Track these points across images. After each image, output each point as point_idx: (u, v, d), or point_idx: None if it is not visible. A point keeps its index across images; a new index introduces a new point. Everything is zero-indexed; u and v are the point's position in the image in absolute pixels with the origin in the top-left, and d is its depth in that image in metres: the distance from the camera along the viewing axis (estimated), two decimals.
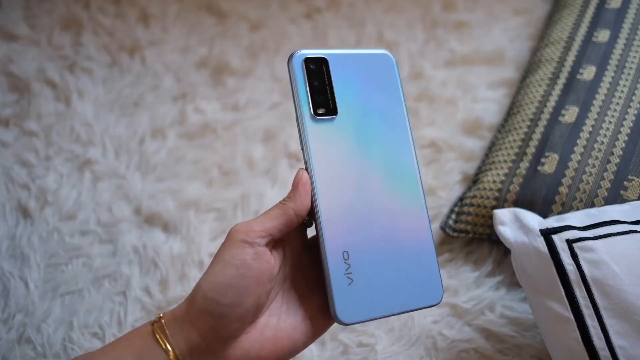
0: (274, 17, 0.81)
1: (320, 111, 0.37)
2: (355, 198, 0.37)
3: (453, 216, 0.59)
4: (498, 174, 0.59)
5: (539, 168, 0.56)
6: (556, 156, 0.56)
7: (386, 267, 0.37)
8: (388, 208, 0.37)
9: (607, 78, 0.61)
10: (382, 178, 0.38)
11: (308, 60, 0.38)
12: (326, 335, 0.53)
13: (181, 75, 0.75)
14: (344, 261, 0.36)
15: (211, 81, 0.75)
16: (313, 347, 0.52)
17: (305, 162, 0.37)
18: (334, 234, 0.36)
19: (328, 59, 0.38)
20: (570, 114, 0.59)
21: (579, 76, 0.62)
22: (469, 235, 0.58)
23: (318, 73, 0.38)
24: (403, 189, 0.38)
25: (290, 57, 0.38)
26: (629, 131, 0.56)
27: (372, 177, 0.37)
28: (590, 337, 0.40)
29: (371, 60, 0.39)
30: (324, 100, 0.38)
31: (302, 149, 0.37)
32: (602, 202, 0.52)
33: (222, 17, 0.81)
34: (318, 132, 0.37)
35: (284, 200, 0.36)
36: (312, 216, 0.36)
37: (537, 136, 0.59)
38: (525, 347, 0.51)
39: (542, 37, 0.72)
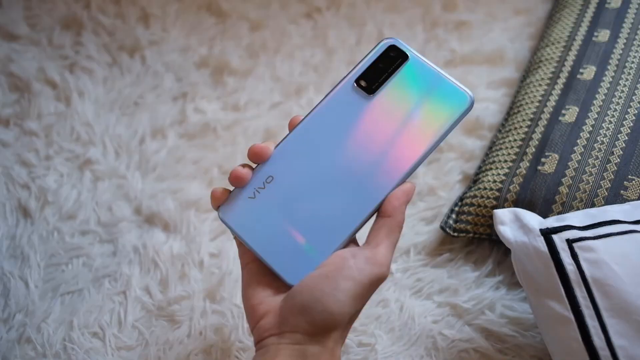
0: (274, 17, 0.81)
1: (362, 83, 0.40)
2: (319, 162, 0.39)
3: (453, 216, 0.59)
4: (498, 174, 0.59)
5: (539, 168, 0.56)
6: (556, 156, 0.56)
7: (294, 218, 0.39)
8: (340, 190, 0.39)
9: (607, 78, 0.61)
10: (360, 163, 0.39)
11: (392, 48, 0.40)
12: None
13: (181, 75, 0.75)
14: (263, 179, 0.39)
15: (211, 81, 0.75)
16: None
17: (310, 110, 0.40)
18: (279, 159, 0.39)
19: (410, 58, 0.40)
20: (570, 114, 0.59)
21: (579, 76, 0.62)
22: (470, 235, 0.58)
23: (390, 60, 0.40)
24: (358, 193, 0.39)
25: (383, 39, 0.41)
26: (629, 131, 0.56)
27: (352, 157, 0.39)
28: (591, 337, 0.40)
29: (446, 88, 0.40)
30: (371, 78, 0.40)
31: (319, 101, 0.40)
32: (602, 202, 0.52)
33: (222, 17, 0.81)
34: (343, 96, 0.40)
35: None
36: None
37: (537, 136, 0.59)
38: (525, 347, 0.51)
39: (542, 37, 0.72)
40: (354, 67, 0.40)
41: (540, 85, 0.64)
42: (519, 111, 0.64)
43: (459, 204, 0.60)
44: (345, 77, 0.40)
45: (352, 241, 0.40)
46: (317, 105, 0.40)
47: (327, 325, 0.35)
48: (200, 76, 0.75)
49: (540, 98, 0.63)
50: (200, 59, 0.77)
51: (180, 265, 0.58)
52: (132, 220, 0.62)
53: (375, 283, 0.36)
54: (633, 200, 0.51)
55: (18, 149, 0.68)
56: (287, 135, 0.40)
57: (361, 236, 0.40)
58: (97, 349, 0.53)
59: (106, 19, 0.80)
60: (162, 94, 0.74)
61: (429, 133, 0.39)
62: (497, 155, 0.61)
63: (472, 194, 0.59)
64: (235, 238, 0.41)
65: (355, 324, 0.53)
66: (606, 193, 0.53)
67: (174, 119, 0.71)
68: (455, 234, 0.58)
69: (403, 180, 0.39)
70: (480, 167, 0.62)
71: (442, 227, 0.59)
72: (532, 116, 0.62)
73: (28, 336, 0.53)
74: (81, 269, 0.59)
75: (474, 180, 0.61)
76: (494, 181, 0.58)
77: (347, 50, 0.76)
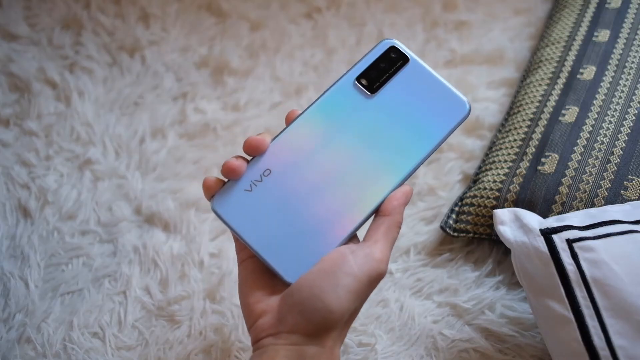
0: (274, 17, 0.81)
1: (363, 81, 0.40)
2: (319, 158, 0.39)
3: (453, 216, 0.59)
4: (498, 174, 0.59)
5: (539, 168, 0.56)
6: (556, 156, 0.56)
7: (286, 213, 0.38)
8: (340, 188, 0.39)
9: (607, 78, 0.61)
10: (360, 163, 0.39)
11: (393, 49, 0.40)
12: None
13: (181, 74, 0.75)
14: (261, 172, 0.38)
15: (211, 81, 0.75)
16: None
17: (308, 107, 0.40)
18: (277, 152, 0.39)
19: (410, 61, 0.40)
20: (570, 114, 0.59)
21: (579, 76, 0.62)
22: (470, 235, 0.58)
23: (391, 61, 0.40)
24: (357, 192, 0.39)
25: (383, 39, 0.40)
26: (629, 131, 0.56)
27: (352, 155, 0.39)
28: (591, 336, 0.40)
29: (445, 94, 0.40)
30: (373, 78, 0.40)
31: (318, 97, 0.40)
32: (602, 202, 0.52)
33: (222, 17, 0.81)
34: (343, 93, 0.40)
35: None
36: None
37: (537, 136, 0.59)
38: (525, 347, 0.51)
39: (542, 37, 0.72)
40: (354, 65, 0.40)
41: (540, 85, 0.64)
42: (519, 111, 0.64)
43: (459, 204, 0.60)
44: (345, 74, 0.40)
45: (351, 238, 0.40)
46: (315, 101, 0.40)
47: (327, 324, 0.35)
48: (200, 76, 0.75)
49: (540, 98, 0.63)
50: (200, 59, 0.77)
51: (180, 265, 0.58)
52: (132, 220, 0.62)
53: (374, 280, 0.36)
54: (633, 200, 0.51)
55: (18, 149, 0.68)
56: (285, 128, 0.39)
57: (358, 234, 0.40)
58: (97, 349, 0.53)
59: (106, 19, 0.80)
60: (162, 94, 0.74)
61: (429, 137, 0.39)
62: (497, 155, 0.61)
63: (472, 194, 0.59)
64: (232, 233, 0.40)
65: (355, 324, 0.53)
66: (606, 193, 0.53)
67: (174, 119, 0.71)
68: (455, 234, 0.58)
69: (403, 182, 0.39)
70: (480, 167, 0.62)
71: (442, 227, 0.59)
72: (532, 116, 0.62)
73: (28, 336, 0.53)
74: (81, 269, 0.59)
75: (474, 180, 0.61)
76: (494, 181, 0.58)
77: (347, 50, 0.76)
